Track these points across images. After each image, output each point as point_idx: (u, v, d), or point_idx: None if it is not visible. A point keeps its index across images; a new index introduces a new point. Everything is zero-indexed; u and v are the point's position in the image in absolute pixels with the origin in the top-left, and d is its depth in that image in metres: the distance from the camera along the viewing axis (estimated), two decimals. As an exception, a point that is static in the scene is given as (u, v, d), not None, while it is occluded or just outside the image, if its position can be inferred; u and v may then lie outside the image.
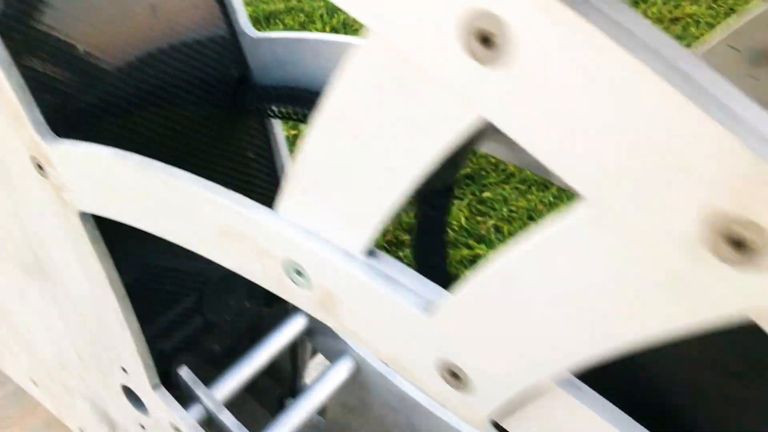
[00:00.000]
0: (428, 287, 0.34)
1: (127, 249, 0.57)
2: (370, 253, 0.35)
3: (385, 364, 0.71)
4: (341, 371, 0.74)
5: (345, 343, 0.75)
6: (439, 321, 0.33)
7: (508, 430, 0.35)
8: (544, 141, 0.24)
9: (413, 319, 0.34)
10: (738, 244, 0.21)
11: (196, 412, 0.65)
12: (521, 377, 0.31)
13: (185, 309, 0.69)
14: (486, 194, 1.57)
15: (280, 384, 0.87)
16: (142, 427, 0.71)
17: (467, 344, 0.32)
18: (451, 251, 1.48)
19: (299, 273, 0.38)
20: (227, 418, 0.65)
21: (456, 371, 0.34)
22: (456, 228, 1.50)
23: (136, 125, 0.57)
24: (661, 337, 0.25)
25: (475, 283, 0.30)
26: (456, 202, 1.56)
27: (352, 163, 0.32)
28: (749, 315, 0.23)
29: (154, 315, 0.66)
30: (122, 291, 0.57)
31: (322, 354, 0.78)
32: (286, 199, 0.36)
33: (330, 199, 0.34)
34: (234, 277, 0.71)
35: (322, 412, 0.87)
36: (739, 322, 0.23)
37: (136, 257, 0.62)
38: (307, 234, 0.36)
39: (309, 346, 0.85)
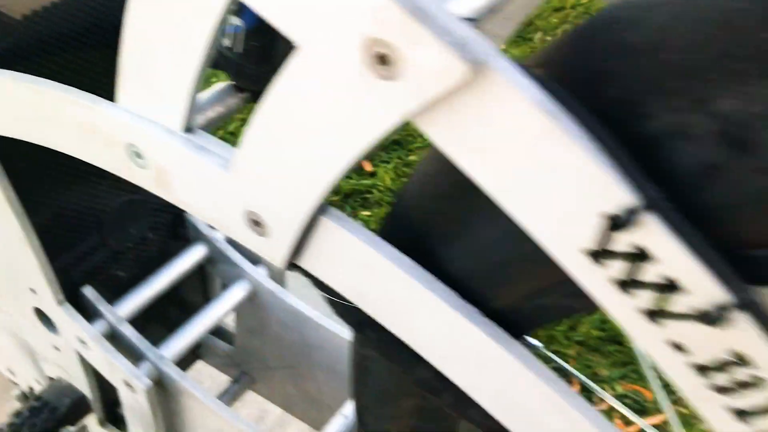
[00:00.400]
0: (230, 150, 0.42)
1: (30, 191, 0.64)
2: (188, 130, 0.43)
3: (212, 227, 0.76)
4: (237, 292, 0.82)
5: (242, 268, 0.82)
6: (235, 175, 0.40)
7: (305, 268, 0.43)
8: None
9: (219, 177, 0.41)
10: (383, 59, 0.30)
11: (100, 326, 0.73)
12: (297, 214, 0.39)
13: (89, 241, 0.76)
14: (411, 157, 1.66)
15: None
16: (56, 348, 0.78)
17: (257, 190, 0.40)
18: (376, 210, 1.57)
19: (138, 155, 0.45)
20: (128, 330, 0.73)
21: (256, 219, 0.42)
22: (382, 189, 1.58)
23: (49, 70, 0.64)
24: (371, 145, 0.33)
25: (248, 134, 0.38)
26: (383, 165, 1.65)
27: (166, 52, 0.40)
28: (409, 119, 0.31)
29: (59, 249, 0.73)
30: (24, 217, 0.64)
31: (222, 279, 0.86)
32: (120, 90, 0.44)
33: (151, 86, 0.42)
34: (133, 208, 0.78)
35: (231, 340, 0.94)
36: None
37: (36, 198, 0.69)
38: (139, 118, 0.44)
39: (218, 281, 0.92)
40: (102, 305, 0.73)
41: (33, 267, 0.67)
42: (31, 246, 0.65)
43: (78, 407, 0.80)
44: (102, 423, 0.85)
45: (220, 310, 0.80)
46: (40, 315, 0.74)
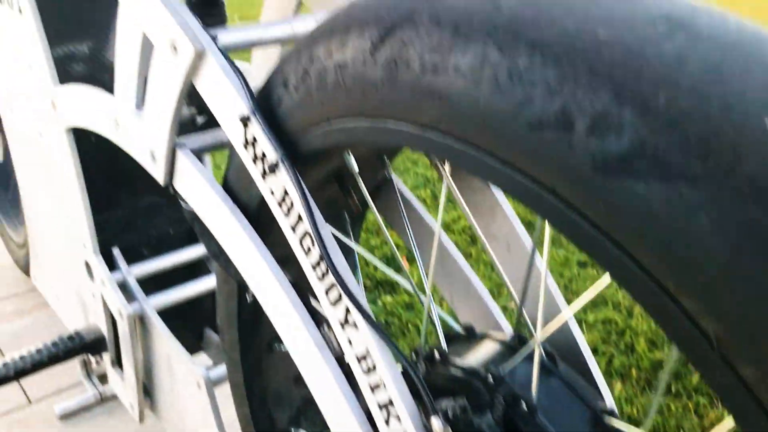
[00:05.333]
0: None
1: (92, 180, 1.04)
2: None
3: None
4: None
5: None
6: (144, 124, 0.76)
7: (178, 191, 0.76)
8: None
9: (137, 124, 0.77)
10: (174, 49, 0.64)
11: (116, 275, 1.08)
12: (162, 147, 0.73)
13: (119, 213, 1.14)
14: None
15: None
16: (93, 296, 1.14)
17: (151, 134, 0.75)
18: (400, 297, 1.84)
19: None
20: (133, 282, 1.08)
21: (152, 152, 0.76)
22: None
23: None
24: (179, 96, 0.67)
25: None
26: (414, 264, 1.93)
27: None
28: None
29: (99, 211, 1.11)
30: (85, 191, 1.03)
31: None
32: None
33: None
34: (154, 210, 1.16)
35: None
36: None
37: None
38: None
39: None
40: (120, 262, 1.09)
41: (85, 226, 1.05)
42: (85, 209, 1.04)
43: (98, 342, 1.15)
44: (113, 364, 1.18)
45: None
46: (87, 267, 1.12)
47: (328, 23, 0.53)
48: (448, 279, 0.78)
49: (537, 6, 0.39)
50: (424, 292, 0.65)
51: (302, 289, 0.62)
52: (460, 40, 0.41)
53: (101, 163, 1.07)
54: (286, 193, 0.58)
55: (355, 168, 0.63)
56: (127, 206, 1.13)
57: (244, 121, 0.59)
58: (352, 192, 0.70)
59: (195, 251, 1.18)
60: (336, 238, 0.59)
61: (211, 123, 0.78)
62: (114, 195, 1.11)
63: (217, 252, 0.72)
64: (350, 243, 0.72)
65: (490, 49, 0.39)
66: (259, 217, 0.67)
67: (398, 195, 0.74)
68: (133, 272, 1.11)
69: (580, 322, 1.67)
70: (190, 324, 1.26)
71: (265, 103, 0.60)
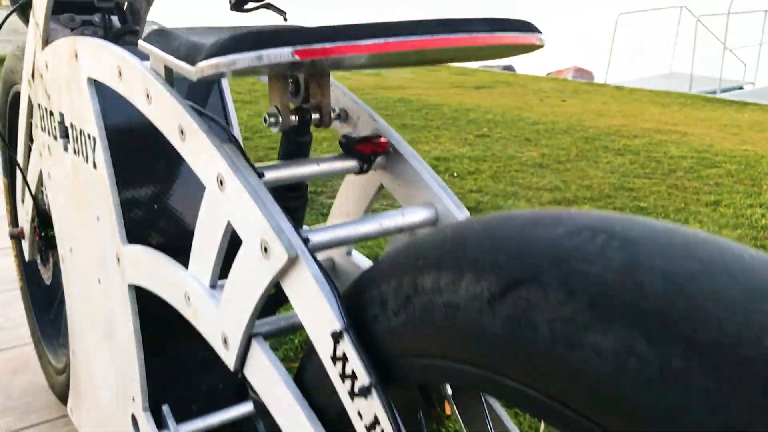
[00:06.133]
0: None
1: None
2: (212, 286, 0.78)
3: None
4: None
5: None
6: (219, 309, 0.74)
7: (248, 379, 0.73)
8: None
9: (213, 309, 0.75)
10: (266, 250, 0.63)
11: (164, 435, 1.04)
12: (238, 334, 0.71)
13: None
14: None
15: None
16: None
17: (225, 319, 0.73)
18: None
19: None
20: (182, 445, 1.03)
21: (224, 337, 0.74)
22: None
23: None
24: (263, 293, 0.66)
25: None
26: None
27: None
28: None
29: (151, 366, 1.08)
30: (141, 343, 1.01)
31: None
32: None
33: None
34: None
35: None
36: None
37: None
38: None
39: None
40: (170, 421, 1.05)
41: (136, 381, 1.02)
42: (139, 365, 1.01)
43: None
44: None
45: None
46: (133, 421, 1.08)
47: (435, 252, 0.51)
48: None
49: (688, 297, 0.37)
50: None
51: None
52: (599, 318, 0.39)
53: (159, 315, 1.05)
54: (376, 420, 0.55)
55: (451, 396, 0.60)
56: (180, 360, 1.10)
57: (336, 337, 0.57)
58: (437, 404, 0.66)
59: (243, 408, 1.14)
60: None
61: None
62: (169, 348, 1.08)
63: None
64: None
65: (635, 337, 0.37)
66: (337, 425, 0.63)
67: (485, 407, 0.70)
68: (181, 430, 1.07)
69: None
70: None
71: (358, 319, 0.57)
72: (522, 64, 12.61)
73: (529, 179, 4.00)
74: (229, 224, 0.70)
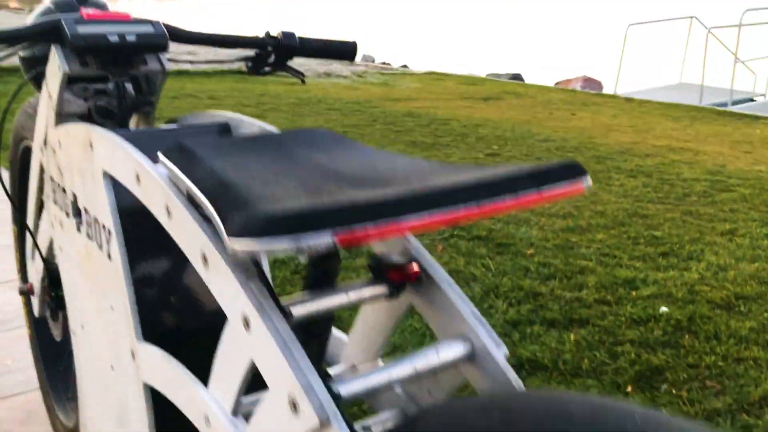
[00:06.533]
0: None
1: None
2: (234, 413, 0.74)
3: None
4: None
5: None
6: None
7: None
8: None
9: None
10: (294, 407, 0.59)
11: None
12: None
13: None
14: None
15: None
16: None
17: None
18: None
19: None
20: None
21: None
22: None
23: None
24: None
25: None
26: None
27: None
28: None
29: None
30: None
31: None
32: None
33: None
34: None
35: None
36: None
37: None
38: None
39: None
40: None
41: None
42: None
43: None
44: None
45: None
46: None
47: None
48: None
49: None
50: None
51: None
52: None
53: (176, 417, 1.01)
54: None
55: None
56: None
57: None
58: None
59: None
60: None
61: None
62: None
63: None
64: None
65: None
66: None
67: None
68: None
69: None
70: None
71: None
72: (530, 73, 12.56)
73: (542, 205, 3.96)
74: (252, 362, 0.66)
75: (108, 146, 0.88)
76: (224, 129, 1.10)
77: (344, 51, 1.33)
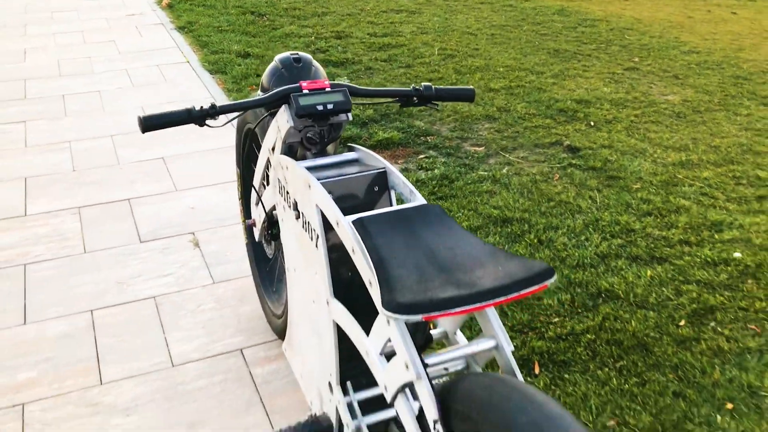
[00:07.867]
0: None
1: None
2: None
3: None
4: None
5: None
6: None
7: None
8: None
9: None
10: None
11: (347, 398, 1.80)
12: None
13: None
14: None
15: None
16: (330, 401, 1.88)
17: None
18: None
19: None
20: (356, 405, 1.79)
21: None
22: None
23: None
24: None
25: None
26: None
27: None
28: None
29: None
30: (336, 353, 1.75)
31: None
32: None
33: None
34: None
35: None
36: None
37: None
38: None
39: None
40: (351, 392, 1.81)
41: (333, 366, 1.78)
42: (336, 360, 1.76)
43: (329, 429, 1.89)
44: None
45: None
46: (329, 385, 1.85)
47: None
48: None
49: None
50: None
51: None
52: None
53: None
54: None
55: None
56: (360, 357, 1.85)
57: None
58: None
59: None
60: None
61: None
62: (354, 353, 1.83)
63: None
64: None
65: None
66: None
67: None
68: (356, 397, 1.83)
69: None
70: None
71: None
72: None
73: (662, 134, 4.31)
74: (389, 337, 1.39)
75: (320, 195, 1.60)
76: (354, 161, 1.80)
77: (466, 95, 1.96)
